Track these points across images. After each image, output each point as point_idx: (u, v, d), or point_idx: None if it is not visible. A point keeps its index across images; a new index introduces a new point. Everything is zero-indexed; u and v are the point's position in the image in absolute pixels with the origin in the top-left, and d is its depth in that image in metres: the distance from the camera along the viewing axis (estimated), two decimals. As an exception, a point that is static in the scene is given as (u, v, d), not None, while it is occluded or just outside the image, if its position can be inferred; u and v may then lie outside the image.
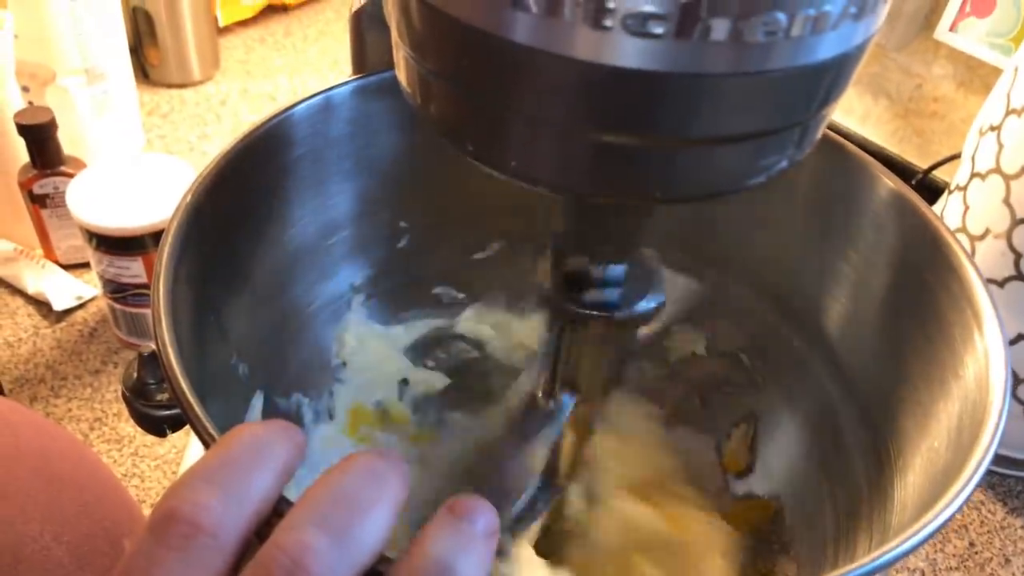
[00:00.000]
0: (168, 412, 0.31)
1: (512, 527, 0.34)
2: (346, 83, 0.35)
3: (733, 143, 0.21)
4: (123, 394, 0.31)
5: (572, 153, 0.22)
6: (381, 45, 0.39)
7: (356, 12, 0.41)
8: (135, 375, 0.31)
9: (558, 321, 0.28)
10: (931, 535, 0.22)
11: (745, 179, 0.22)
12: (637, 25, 0.18)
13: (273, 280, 0.38)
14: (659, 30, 0.18)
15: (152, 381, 0.31)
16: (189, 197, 0.30)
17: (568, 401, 0.31)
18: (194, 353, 0.29)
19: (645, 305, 0.27)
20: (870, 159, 0.36)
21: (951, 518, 0.23)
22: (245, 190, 0.33)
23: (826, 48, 0.20)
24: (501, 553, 0.34)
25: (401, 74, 0.25)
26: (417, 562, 0.20)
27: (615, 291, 0.27)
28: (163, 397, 0.31)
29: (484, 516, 0.21)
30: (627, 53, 0.19)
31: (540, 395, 0.31)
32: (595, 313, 0.27)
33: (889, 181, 0.35)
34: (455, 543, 0.20)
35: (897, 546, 0.22)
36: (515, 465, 0.33)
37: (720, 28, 0.18)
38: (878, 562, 0.22)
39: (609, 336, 0.29)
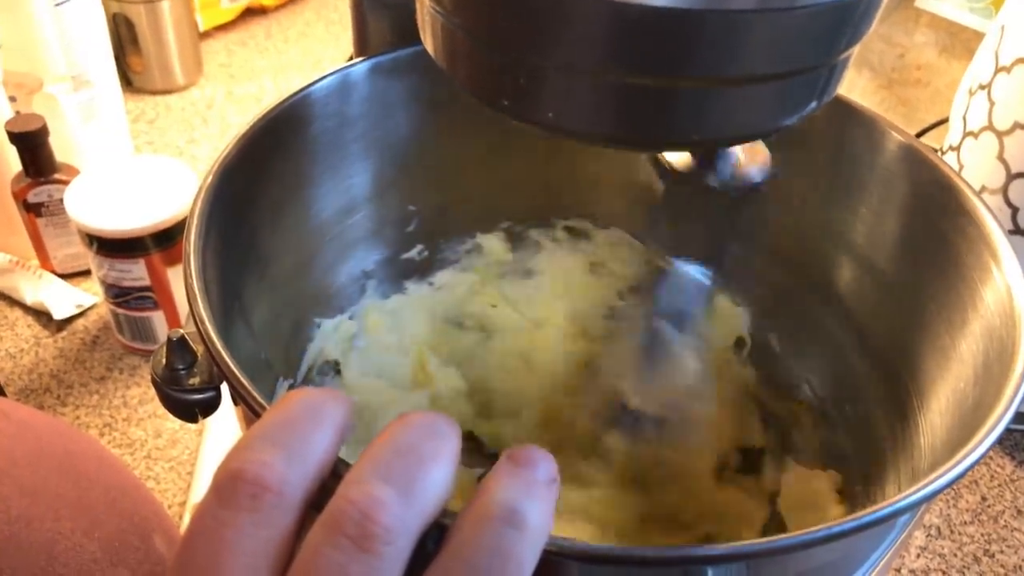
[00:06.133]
0: (199, 396, 0.31)
1: None
2: (362, 61, 0.35)
3: (767, 82, 0.22)
4: (153, 380, 0.31)
5: (609, 99, 0.22)
6: (383, 27, 0.39)
7: (356, -4, 0.41)
8: (164, 361, 0.31)
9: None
10: (979, 459, 0.23)
11: (779, 120, 0.23)
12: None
13: (290, 265, 0.37)
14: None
15: (181, 366, 0.31)
16: (211, 178, 0.30)
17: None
18: (222, 340, 0.29)
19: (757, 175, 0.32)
20: (877, 114, 0.36)
21: (997, 440, 0.23)
22: (264, 171, 0.33)
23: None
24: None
25: (428, 37, 0.25)
26: (484, 508, 0.20)
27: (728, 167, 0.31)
28: (194, 382, 0.31)
29: (544, 463, 0.21)
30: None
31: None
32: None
33: (897, 135, 0.36)
34: (519, 489, 0.20)
35: (954, 466, 0.22)
36: None
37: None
38: (929, 489, 0.23)
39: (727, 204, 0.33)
